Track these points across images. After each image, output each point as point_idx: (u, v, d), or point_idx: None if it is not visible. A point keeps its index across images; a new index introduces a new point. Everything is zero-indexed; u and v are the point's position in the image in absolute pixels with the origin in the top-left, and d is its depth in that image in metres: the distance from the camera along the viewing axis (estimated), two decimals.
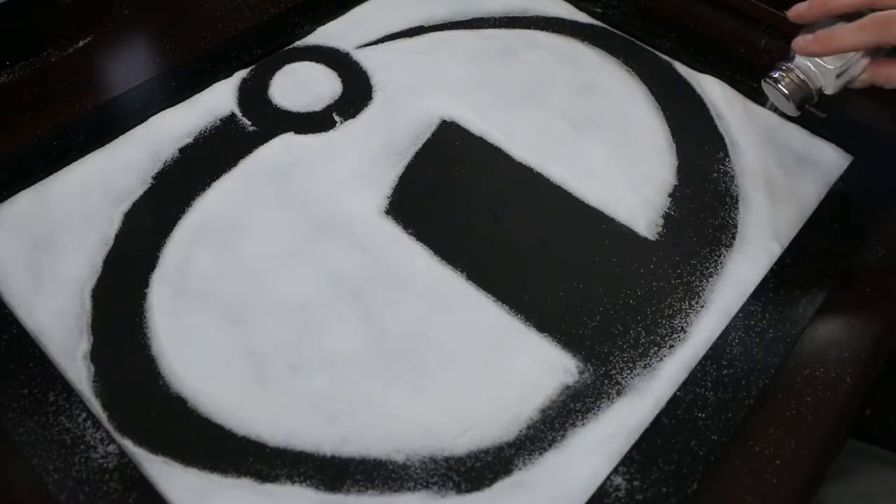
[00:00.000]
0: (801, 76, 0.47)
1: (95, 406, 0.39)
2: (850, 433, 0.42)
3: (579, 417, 0.40)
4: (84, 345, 0.41)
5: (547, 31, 0.61)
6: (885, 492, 0.51)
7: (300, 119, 0.53)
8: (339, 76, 0.57)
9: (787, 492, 0.38)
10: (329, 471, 0.38)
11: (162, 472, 0.37)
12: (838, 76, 0.47)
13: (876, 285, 0.47)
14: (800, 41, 0.47)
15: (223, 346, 0.42)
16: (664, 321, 0.44)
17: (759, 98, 0.57)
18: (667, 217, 0.49)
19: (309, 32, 0.60)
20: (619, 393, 0.41)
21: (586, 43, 0.60)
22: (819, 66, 0.47)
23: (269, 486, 0.37)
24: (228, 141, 0.52)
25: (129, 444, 0.38)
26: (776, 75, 0.48)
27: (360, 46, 0.59)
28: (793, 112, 0.48)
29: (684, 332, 0.44)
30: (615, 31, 0.62)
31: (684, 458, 0.39)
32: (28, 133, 0.51)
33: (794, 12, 0.47)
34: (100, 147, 0.50)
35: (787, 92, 0.47)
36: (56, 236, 0.46)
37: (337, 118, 0.54)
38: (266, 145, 0.52)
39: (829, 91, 0.48)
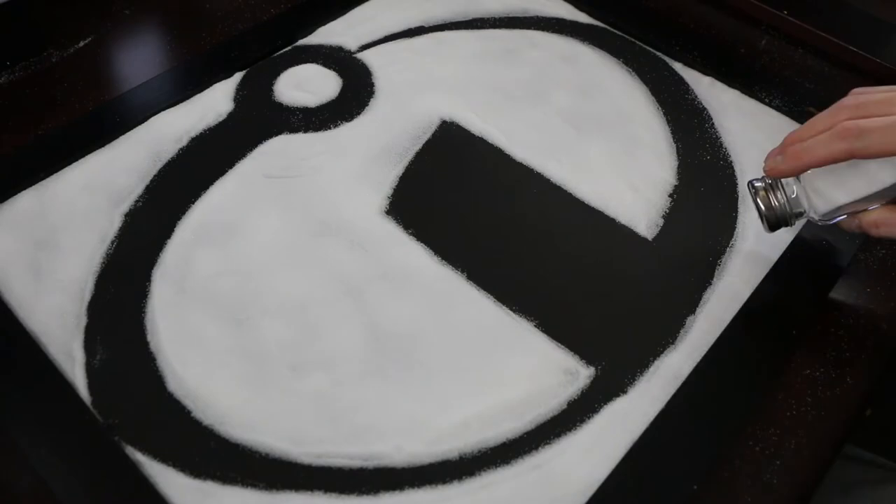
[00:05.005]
0: (782, 196, 0.42)
1: (95, 406, 0.39)
2: (850, 433, 0.42)
3: (579, 417, 0.40)
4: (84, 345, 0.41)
5: (547, 31, 0.61)
6: None
7: (300, 119, 0.54)
8: (340, 76, 0.57)
9: (787, 492, 0.38)
10: (330, 470, 0.38)
11: (162, 472, 0.37)
12: (833, 210, 0.41)
13: (876, 285, 0.47)
14: (769, 160, 0.42)
15: (223, 346, 0.42)
16: (664, 321, 0.44)
17: (758, 97, 0.57)
18: (667, 217, 0.49)
19: (309, 32, 0.60)
20: (619, 392, 0.41)
21: (586, 43, 0.60)
22: (813, 190, 0.41)
23: (270, 488, 0.37)
24: (229, 141, 0.52)
25: (129, 445, 0.38)
26: (757, 185, 0.43)
27: (361, 46, 0.59)
28: (765, 230, 0.44)
29: (684, 332, 0.44)
30: (615, 31, 0.62)
31: (684, 459, 0.39)
32: (28, 133, 0.51)
33: (771, 166, 0.42)
34: (100, 147, 0.50)
35: (762, 208, 0.43)
36: (56, 236, 0.46)
37: (337, 118, 0.54)
38: (266, 145, 0.52)
39: (818, 221, 0.43)
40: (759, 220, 0.44)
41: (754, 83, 0.57)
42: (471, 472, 0.38)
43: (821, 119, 0.41)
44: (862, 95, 0.40)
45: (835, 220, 0.43)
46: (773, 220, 0.43)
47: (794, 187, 0.42)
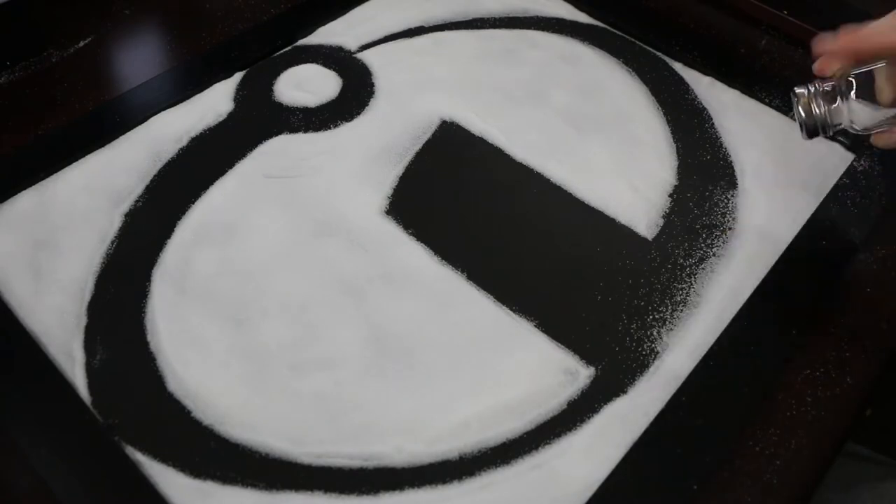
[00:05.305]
0: (823, 106, 0.44)
1: (95, 406, 0.39)
2: (851, 433, 0.42)
3: (579, 416, 0.40)
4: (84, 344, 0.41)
5: (547, 31, 0.61)
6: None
7: (300, 119, 0.54)
8: (340, 76, 0.57)
9: (787, 492, 0.38)
10: (330, 470, 0.38)
11: (162, 472, 0.37)
12: (874, 121, 0.43)
13: (876, 285, 0.47)
14: (820, 41, 0.41)
15: (223, 346, 0.42)
16: (664, 321, 0.44)
17: (758, 97, 0.57)
18: (667, 217, 0.49)
19: (309, 32, 0.60)
20: (619, 392, 0.41)
21: (586, 43, 0.60)
22: (855, 100, 0.43)
23: (270, 488, 0.37)
24: (228, 141, 0.52)
25: (129, 445, 0.38)
26: (799, 91, 0.45)
27: (361, 47, 0.59)
28: (803, 136, 0.45)
29: (685, 332, 0.44)
30: (615, 31, 0.62)
31: (684, 458, 0.39)
32: (28, 133, 0.51)
33: (821, 45, 0.42)
34: (100, 147, 0.50)
35: (802, 115, 0.44)
36: (56, 236, 0.46)
37: (337, 118, 0.54)
38: (266, 145, 0.52)
39: (855, 131, 0.44)
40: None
41: (754, 83, 0.57)
42: (471, 472, 0.38)
43: (878, 19, 0.40)
44: None
45: (873, 132, 0.44)
46: (812, 128, 0.45)
47: (836, 95, 0.43)
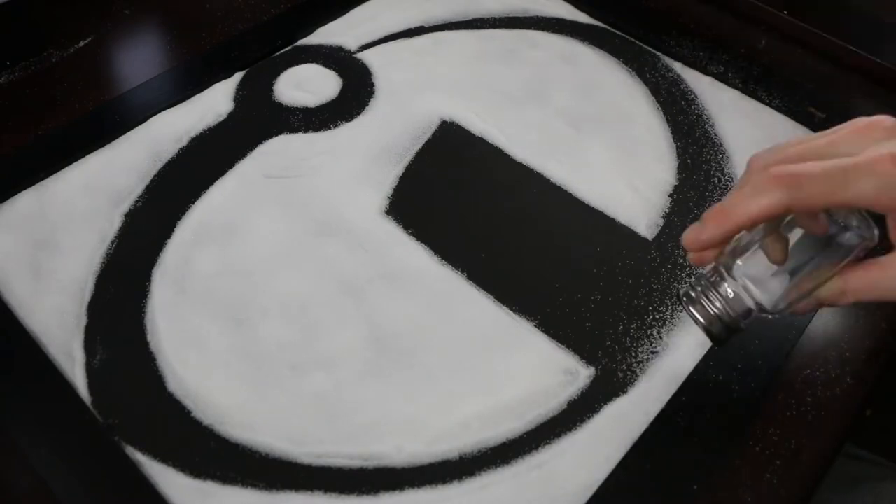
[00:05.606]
0: (719, 301, 0.34)
1: (95, 406, 0.39)
2: (851, 433, 0.42)
3: (579, 417, 0.40)
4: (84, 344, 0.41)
5: (547, 31, 0.61)
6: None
7: (300, 119, 0.54)
8: (340, 76, 0.57)
9: (787, 492, 0.38)
10: (330, 470, 0.38)
11: (162, 472, 0.37)
12: (783, 296, 0.34)
13: None
14: (689, 235, 0.33)
15: (223, 346, 0.42)
16: (664, 321, 0.44)
17: (758, 97, 0.57)
18: (667, 217, 0.49)
19: (309, 32, 0.60)
20: (619, 392, 0.41)
21: (586, 43, 0.60)
22: (750, 280, 0.34)
23: (270, 488, 0.37)
24: (228, 141, 0.52)
25: (129, 445, 0.38)
26: (691, 294, 0.35)
27: (361, 46, 0.59)
28: (714, 345, 0.36)
29: (685, 333, 0.44)
30: (615, 31, 0.62)
31: (684, 459, 0.39)
32: (28, 133, 0.51)
33: (690, 238, 0.33)
34: (100, 147, 0.50)
35: (702, 322, 0.35)
36: (56, 236, 0.46)
37: (337, 118, 0.54)
38: (266, 145, 0.52)
39: (771, 315, 0.34)
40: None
41: (754, 83, 0.57)
42: (471, 472, 0.38)
43: (739, 184, 0.33)
44: (774, 148, 0.33)
45: (791, 308, 0.34)
46: (721, 333, 0.35)
47: (727, 286, 0.34)
